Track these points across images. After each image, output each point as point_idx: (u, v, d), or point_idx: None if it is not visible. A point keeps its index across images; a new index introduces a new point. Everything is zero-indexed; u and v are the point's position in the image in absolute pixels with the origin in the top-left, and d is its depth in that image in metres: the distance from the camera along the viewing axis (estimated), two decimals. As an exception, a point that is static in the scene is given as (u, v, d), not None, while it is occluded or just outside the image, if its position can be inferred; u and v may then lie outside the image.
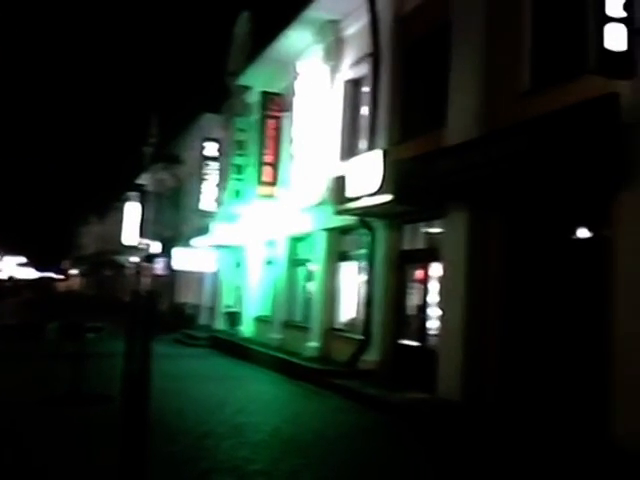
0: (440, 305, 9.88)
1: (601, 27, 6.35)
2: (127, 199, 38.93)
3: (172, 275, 28.09)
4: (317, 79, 14.44)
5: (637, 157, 6.49)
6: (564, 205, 8.01)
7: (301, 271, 15.74)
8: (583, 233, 7.88)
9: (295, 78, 15.38)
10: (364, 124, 12.84)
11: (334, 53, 14.04)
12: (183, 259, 23.45)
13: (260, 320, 17.90)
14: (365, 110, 12.89)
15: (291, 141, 15.37)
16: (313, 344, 13.68)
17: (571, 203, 7.89)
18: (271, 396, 10.64)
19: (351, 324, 13.06)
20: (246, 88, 19.06)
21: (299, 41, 14.76)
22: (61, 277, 79.05)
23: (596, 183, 7.22)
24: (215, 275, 22.53)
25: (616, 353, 6.69)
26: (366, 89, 12.93)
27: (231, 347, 16.66)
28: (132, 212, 37.62)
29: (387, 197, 10.16)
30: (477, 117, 9.07)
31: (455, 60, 9.72)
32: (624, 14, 6.43)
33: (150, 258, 32.35)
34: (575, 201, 7.81)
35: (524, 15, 8.71)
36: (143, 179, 36.19)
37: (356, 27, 13.16)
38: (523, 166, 7.45)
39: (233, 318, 19.70)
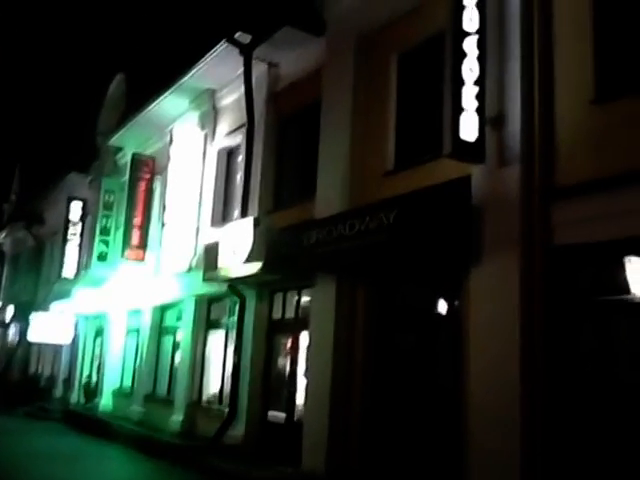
0: (307, 376, 9.83)
1: (456, 115, 6.86)
2: (-20, 259, 35.98)
3: (26, 342, 26.01)
4: (191, 145, 14.38)
5: (484, 236, 6.96)
6: (425, 278, 8.40)
7: (167, 340, 15.11)
8: (442, 306, 8.25)
9: (169, 142, 15.25)
10: (238, 192, 12.87)
11: (209, 121, 14.11)
12: (40, 326, 21.79)
13: (120, 393, 16.85)
14: (239, 178, 12.95)
15: (162, 205, 15.07)
16: (177, 418, 13.01)
17: (431, 277, 8.28)
18: (126, 477, 9.90)
19: (218, 396, 12.61)
20: (118, 149, 18.61)
21: (175, 107, 14.70)
22: None
23: (451, 259, 7.64)
24: (74, 343, 21.10)
25: (469, 421, 6.92)
26: (240, 158, 13.05)
27: (87, 422, 15.48)
28: (-15, 273, 34.76)
29: (257, 265, 10.14)
30: (344, 192, 9.40)
31: (324, 137, 10.09)
32: (476, 104, 7.02)
33: (3, 324, 29.86)
34: (434, 275, 8.20)
35: (389, 99, 9.28)
36: (0, 238, 33.76)
37: (232, 98, 13.35)
38: (386, 241, 7.74)
39: (91, 390, 18.39)
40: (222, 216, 13.46)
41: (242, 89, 12.11)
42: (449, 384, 7.63)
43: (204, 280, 11.94)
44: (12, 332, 28.24)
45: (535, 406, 6.41)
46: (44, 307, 22.19)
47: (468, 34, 7.11)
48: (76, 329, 20.90)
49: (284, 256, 9.78)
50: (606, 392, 6.17)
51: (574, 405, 6.34)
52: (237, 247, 10.59)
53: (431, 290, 8.36)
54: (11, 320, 28.27)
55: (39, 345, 24.53)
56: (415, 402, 8.16)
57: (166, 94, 14.36)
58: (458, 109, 6.86)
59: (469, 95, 6.96)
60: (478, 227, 7.00)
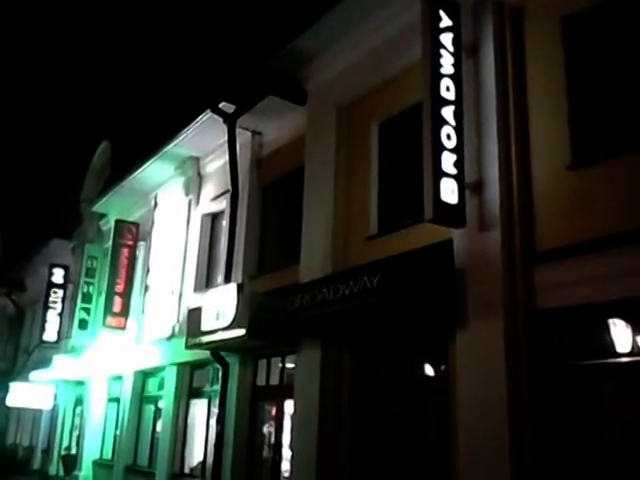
0: (292, 445, 9.58)
1: (436, 181, 6.99)
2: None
3: (4, 412, 25.26)
4: (176, 210, 14.45)
5: (468, 300, 6.97)
6: (411, 343, 8.34)
7: (149, 409, 14.76)
8: (428, 370, 8.17)
9: (153, 208, 15.32)
10: (221, 257, 12.85)
11: (194, 187, 14.22)
12: (18, 394, 21.23)
13: (101, 464, 16.30)
14: (223, 243, 12.95)
15: (145, 271, 14.99)
16: (158, 491, 12.56)
17: (417, 341, 8.23)
18: None
19: (201, 468, 12.22)
20: (101, 215, 18.64)
21: (159, 173, 14.85)
22: None
23: (436, 323, 7.62)
24: (53, 413, 20.52)
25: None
26: (224, 223, 13.10)
27: (65, 497, 14.89)
28: (-37, 341, 34.00)
29: (240, 331, 10.01)
30: (329, 256, 9.42)
31: (307, 203, 10.21)
32: (455, 170, 7.16)
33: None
34: (420, 339, 8.15)
35: (371, 166, 9.43)
36: (-21, 305, 33.21)
37: (216, 165, 13.52)
38: (370, 305, 7.71)
39: (70, 462, 17.76)
40: (205, 281, 13.40)
41: (226, 156, 12.29)
42: (438, 449, 7.49)
43: (186, 347, 11.75)
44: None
45: (524, 470, 6.28)
46: (23, 376, 21.67)
47: (446, 102, 7.32)
48: (56, 398, 20.37)
49: (268, 321, 9.69)
50: (594, 456, 6.07)
51: (563, 469, 6.23)
52: (220, 313, 10.48)
53: (417, 354, 8.29)
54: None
55: (18, 415, 23.83)
56: (404, 468, 7.96)
57: (151, 161, 14.51)
58: (438, 175, 6.99)
59: (448, 162, 7.11)
60: (461, 291, 7.02)
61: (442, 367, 7.76)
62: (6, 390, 22.32)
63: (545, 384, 6.47)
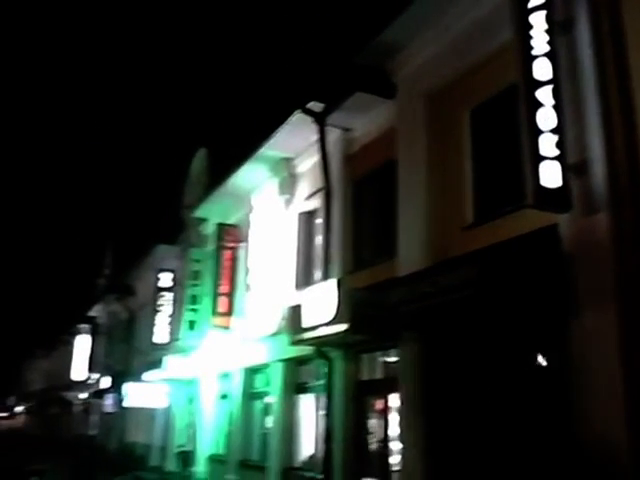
0: (401, 438, 9.59)
1: (536, 165, 6.76)
2: (77, 332, 37.80)
3: (122, 412, 26.77)
4: (272, 211, 14.79)
5: (579, 287, 6.69)
6: (518, 334, 8.07)
7: (257, 405, 15.19)
8: (540, 361, 7.89)
9: (251, 210, 15.74)
10: (318, 254, 13.04)
11: (288, 187, 14.49)
12: (134, 395, 22.46)
13: (214, 460, 16.94)
14: (319, 240, 13.14)
15: (247, 271, 15.43)
16: (272, 485, 12.92)
17: (525, 332, 7.95)
18: None
19: (311, 461, 12.46)
20: (202, 220, 19.34)
21: (254, 176, 15.23)
22: (3, 414, 75.21)
23: (546, 312, 7.35)
24: (167, 411, 21.53)
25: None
26: (320, 220, 13.26)
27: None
28: (82, 345, 36.42)
29: (343, 326, 10.11)
30: (425, 248, 9.35)
31: (402, 195, 10.16)
32: (557, 152, 6.89)
33: (99, 394, 30.94)
34: (528, 330, 7.88)
35: (464, 154, 9.25)
36: (95, 311, 35.43)
37: (309, 164, 13.71)
38: (473, 295, 7.57)
39: (186, 458, 18.61)
40: (305, 278, 13.62)
41: (317, 155, 12.44)
42: (553, 446, 7.23)
43: (290, 343, 12.01)
44: (108, 402, 29.15)
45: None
46: (137, 377, 22.87)
47: (541, 84, 7.06)
48: (169, 397, 21.35)
49: (369, 316, 9.74)
50: None
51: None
52: (322, 309, 10.63)
53: (526, 346, 8.00)
54: (107, 390, 29.27)
55: (135, 414, 25.13)
56: (516, 461, 7.74)
57: (245, 164, 14.92)
58: (538, 159, 6.76)
59: (549, 144, 6.86)
60: (571, 278, 6.74)
61: (556, 358, 7.45)
62: (122, 391, 23.65)
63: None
